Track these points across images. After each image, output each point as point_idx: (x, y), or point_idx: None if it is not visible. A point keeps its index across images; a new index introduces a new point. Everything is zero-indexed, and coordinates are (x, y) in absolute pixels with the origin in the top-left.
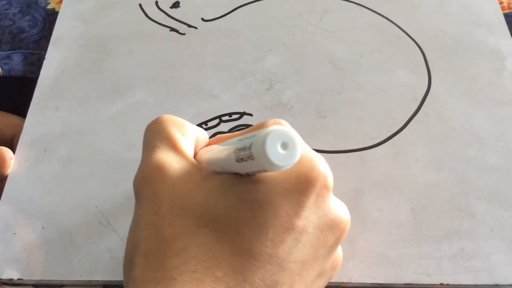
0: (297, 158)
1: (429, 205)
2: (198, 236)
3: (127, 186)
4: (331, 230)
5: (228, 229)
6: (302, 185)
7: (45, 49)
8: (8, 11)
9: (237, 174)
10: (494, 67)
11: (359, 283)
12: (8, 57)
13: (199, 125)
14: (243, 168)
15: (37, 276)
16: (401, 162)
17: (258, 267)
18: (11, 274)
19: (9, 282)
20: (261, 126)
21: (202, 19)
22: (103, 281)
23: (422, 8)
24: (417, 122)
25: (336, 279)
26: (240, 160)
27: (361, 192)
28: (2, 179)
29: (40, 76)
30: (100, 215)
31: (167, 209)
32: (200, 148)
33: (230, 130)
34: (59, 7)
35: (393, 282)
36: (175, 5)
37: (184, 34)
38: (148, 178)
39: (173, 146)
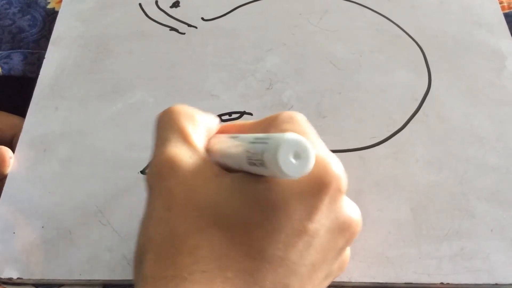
0: (310, 169)
1: (429, 205)
2: (209, 235)
3: (127, 186)
4: (342, 233)
5: (240, 230)
6: (316, 187)
7: (45, 48)
8: (8, 10)
9: (249, 173)
10: (494, 67)
11: (359, 282)
12: (8, 56)
13: None
14: (254, 170)
15: (37, 275)
16: (401, 162)
17: (269, 269)
18: (11, 273)
19: (9, 281)
20: (275, 119)
21: (202, 18)
22: (102, 280)
23: (422, 8)
24: (417, 122)
25: (336, 278)
26: (251, 163)
27: (361, 192)
28: (1, 179)
29: (40, 76)
30: (100, 215)
31: (180, 205)
32: (212, 136)
33: None
34: (59, 7)
35: (393, 282)
36: (175, 4)
37: (184, 33)
38: (161, 173)
39: (185, 139)
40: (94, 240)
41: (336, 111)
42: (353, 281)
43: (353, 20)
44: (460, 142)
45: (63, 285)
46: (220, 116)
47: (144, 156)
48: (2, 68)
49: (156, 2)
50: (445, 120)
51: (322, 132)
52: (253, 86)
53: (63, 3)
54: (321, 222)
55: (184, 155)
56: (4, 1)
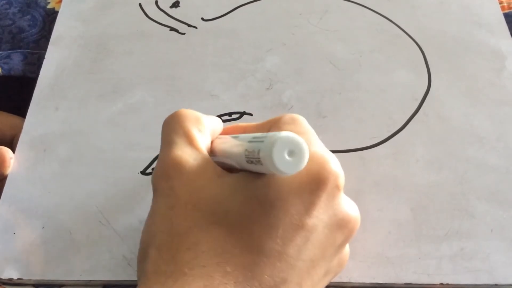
0: (303, 165)
1: (429, 205)
2: (209, 231)
3: (127, 186)
4: (341, 229)
5: (239, 225)
6: (314, 184)
7: (45, 48)
8: (8, 10)
9: (250, 172)
10: (494, 67)
11: (359, 283)
12: (8, 56)
13: None
14: (253, 168)
15: (37, 276)
16: (401, 162)
17: (267, 263)
18: (11, 273)
19: (9, 282)
20: (277, 121)
21: (202, 18)
22: (103, 281)
23: (422, 8)
24: (417, 122)
25: (336, 279)
26: (249, 161)
27: (361, 192)
28: (2, 179)
29: (40, 76)
30: (100, 215)
31: (182, 204)
32: (215, 138)
33: None
34: (59, 7)
35: (393, 282)
36: (175, 4)
37: (184, 33)
38: (166, 174)
39: (190, 142)
40: (94, 240)
41: (336, 111)
42: (353, 281)
43: (353, 20)
44: (460, 142)
45: (63, 285)
46: (220, 116)
47: (144, 156)
48: (2, 68)
49: (156, 2)
50: (445, 120)
51: (322, 132)
52: (253, 86)
53: (63, 3)
54: (319, 217)
55: (188, 157)
56: (4, 1)
